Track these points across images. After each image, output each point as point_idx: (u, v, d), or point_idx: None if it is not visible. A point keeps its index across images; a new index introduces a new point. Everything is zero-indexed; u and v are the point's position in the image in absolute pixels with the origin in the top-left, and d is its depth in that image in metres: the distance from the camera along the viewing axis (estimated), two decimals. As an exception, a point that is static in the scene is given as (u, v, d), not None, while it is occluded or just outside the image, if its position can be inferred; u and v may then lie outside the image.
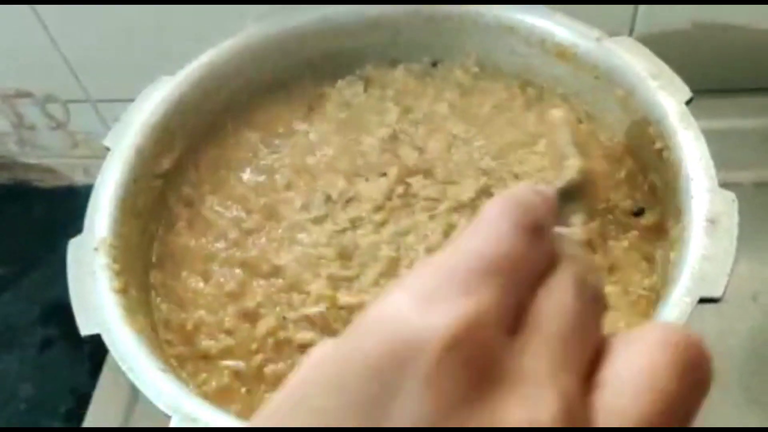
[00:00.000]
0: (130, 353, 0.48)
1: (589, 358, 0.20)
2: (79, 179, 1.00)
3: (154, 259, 0.60)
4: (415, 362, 0.18)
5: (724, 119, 0.77)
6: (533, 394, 0.18)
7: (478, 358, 0.18)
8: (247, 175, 0.65)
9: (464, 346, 0.18)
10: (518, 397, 0.18)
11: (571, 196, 0.35)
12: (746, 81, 0.80)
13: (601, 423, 0.19)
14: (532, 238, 0.21)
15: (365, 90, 0.70)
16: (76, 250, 0.54)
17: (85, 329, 0.49)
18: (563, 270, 0.21)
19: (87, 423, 0.71)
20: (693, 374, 0.21)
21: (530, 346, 0.19)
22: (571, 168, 0.40)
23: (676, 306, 0.46)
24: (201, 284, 0.58)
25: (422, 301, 0.19)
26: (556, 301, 0.21)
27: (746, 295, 0.66)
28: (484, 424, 0.18)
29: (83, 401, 0.73)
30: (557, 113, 0.49)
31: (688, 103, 0.56)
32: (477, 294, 0.19)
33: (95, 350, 0.49)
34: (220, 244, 0.60)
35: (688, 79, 0.58)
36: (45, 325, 0.85)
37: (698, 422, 0.62)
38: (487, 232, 0.21)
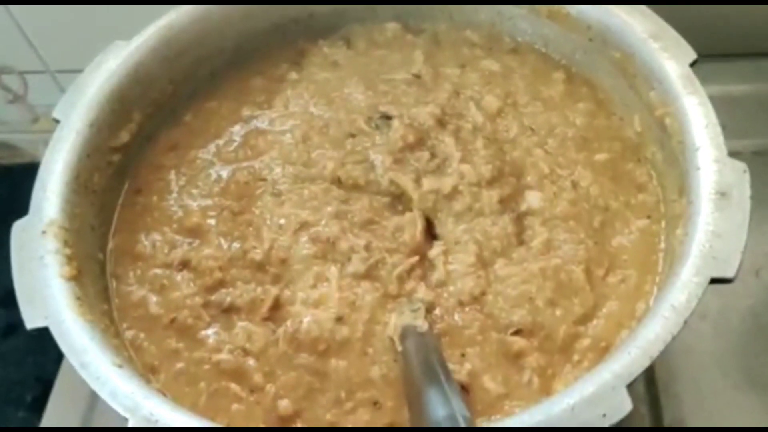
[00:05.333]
0: (82, 347, 0.44)
1: None
2: (41, 156, 0.94)
3: (111, 244, 0.56)
4: None
5: (722, 85, 0.73)
6: None
7: None
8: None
9: None
10: None
11: None
12: (745, 45, 0.76)
13: None
14: None
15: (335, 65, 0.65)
16: (22, 233, 0.49)
17: (31, 322, 0.45)
18: None
19: (49, 411, 0.68)
20: None
21: None
22: None
23: (685, 287, 0.42)
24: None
25: None
26: None
27: (748, 271, 0.63)
28: None
29: (50, 389, 0.69)
30: None
31: (692, 65, 0.51)
32: None
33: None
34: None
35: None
36: (8, 310, 0.81)
37: (698, 405, 0.59)
38: None
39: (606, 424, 0.38)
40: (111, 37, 0.60)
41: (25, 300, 0.46)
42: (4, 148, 0.97)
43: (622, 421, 0.40)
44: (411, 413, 0.42)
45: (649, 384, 0.59)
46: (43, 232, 0.49)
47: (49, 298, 0.46)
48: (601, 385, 0.39)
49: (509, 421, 0.39)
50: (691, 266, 0.43)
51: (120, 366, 0.43)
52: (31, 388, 0.75)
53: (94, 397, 0.66)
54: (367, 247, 0.52)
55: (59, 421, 0.66)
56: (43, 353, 0.76)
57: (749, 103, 0.74)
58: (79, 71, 0.59)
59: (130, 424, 0.40)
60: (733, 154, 0.48)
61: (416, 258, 0.52)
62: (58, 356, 0.71)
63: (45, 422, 0.66)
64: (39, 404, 0.71)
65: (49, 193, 0.51)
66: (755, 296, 0.63)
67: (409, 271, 0.51)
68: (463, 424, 0.35)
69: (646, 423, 0.58)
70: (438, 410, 0.37)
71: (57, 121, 0.56)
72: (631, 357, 0.40)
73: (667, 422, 0.58)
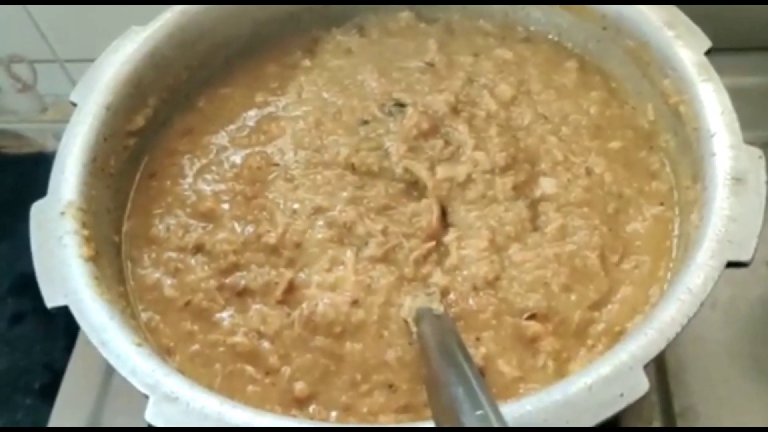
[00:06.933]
0: (101, 326, 0.44)
1: None
2: (49, 145, 0.95)
3: (125, 227, 0.56)
4: None
5: (733, 77, 0.73)
6: None
7: None
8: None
9: None
10: None
11: None
12: (757, 39, 0.76)
13: None
14: None
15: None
16: (40, 214, 0.49)
17: (51, 301, 0.45)
18: None
19: (60, 399, 0.68)
20: None
21: None
22: None
23: (701, 271, 0.42)
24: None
25: None
26: None
27: (759, 261, 0.63)
28: None
29: (58, 376, 0.69)
30: None
31: (707, 53, 0.52)
32: None
33: (69, 323, 0.45)
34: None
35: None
36: (16, 298, 0.81)
37: (708, 393, 0.59)
38: None
39: (623, 404, 0.38)
40: (121, 27, 0.60)
41: (44, 279, 0.46)
42: (12, 138, 0.97)
43: (635, 406, 0.40)
44: (429, 394, 0.42)
45: (659, 372, 0.59)
46: (62, 213, 0.49)
47: (69, 278, 0.46)
48: (618, 366, 0.39)
49: (527, 401, 0.39)
50: (707, 250, 0.43)
51: (139, 345, 0.43)
52: (39, 375, 0.75)
53: (105, 383, 0.67)
54: (384, 232, 0.53)
55: (70, 408, 0.66)
56: (51, 341, 0.76)
57: (760, 95, 0.74)
58: (89, 61, 0.59)
59: (151, 402, 0.40)
60: (744, 145, 0.49)
61: (433, 243, 0.52)
62: (65, 344, 0.72)
63: (56, 409, 0.66)
64: (47, 392, 0.71)
65: (68, 175, 0.51)
66: (766, 286, 0.63)
67: (426, 256, 0.52)
68: (485, 402, 0.35)
69: (657, 410, 0.58)
70: (458, 389, 0.37)
71: (74, 104, 0.56)
72: (647, 338, 0.40)
73: (677, 410, 0.58)
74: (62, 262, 0.47)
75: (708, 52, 0.52)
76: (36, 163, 0.92)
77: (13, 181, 0.91)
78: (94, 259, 0.49)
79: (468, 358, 0.41)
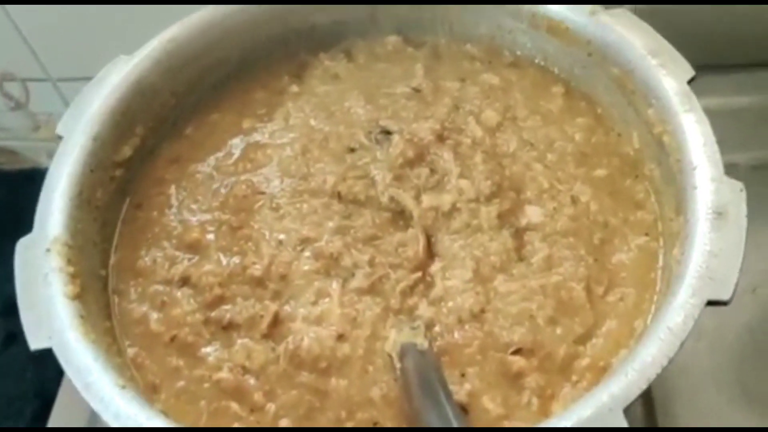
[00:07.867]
0: (86, 368, 0.44)
1: None
2: (43, 162, 0.95)
3: (113, 260, 0.56)
4: None
5: (720, 97, 0.73)
6: None
7: None
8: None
9: None
10: None
11: None
12: (743, 56, 0.76)
13: None
14: None
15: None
16: (26, 251, 0.49)
17: (35, 343, 0.45)
18: None
19: (51, 424, 0.67)
20: None
21: None
22: None
23: (681, 309, 0.42)
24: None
25: None
26: None
27: (745, 288, 0.63)
28: None
29: (50, 402, 0.69)
30: None
31: (690, 82, 0.51)
32: None
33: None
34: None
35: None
36: (8, 319, 0.81)
37: (695, 422, 0.58)
38: None
39: (603, 447, 0.39)
40: (113, 46, 0.60)
41: (28, 320, 0.46)
42: (5, 154, 0.97)
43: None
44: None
45: (646, 402, 0.59)
46: (48, 250, 0.49)
47: (53, 318, 0.46)
48: (600, 407, 0.39)
49: (508, 445, 0.39)
50: (688, 287, 0.43)
51: (123, 387, 0.43)
52: (30, 400, 0.75)
53: (95, 412, 0.67)
54: (371, 263, 0.53)
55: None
56: (43, 365, 0.76)
57: (748, 115, 0.73)
58: (81, 80, 0.59)
59: (133, 446, 0.40)
60: (731, 166, 0.48)
61: (419, 273, 0.52)
62: (59, 368, 0.72)
63: (47, 433, 0.67)
64: (39, 417, 0.71)
65: (54, 209, 0.51)
66: (751, 313, 0.63)
67: (412, 287, 0.52)
68: None
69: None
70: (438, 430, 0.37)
71: (60, 137, 0.56)
72: (628, 379, 0.40)
73: (665, 438, 0.58)
74: (47, 300, 0.47)
75: (691, 81, 0.52)
76: (29, 180, 0.92)
77: (6, 198, 0.90)
78: (79, 297, 0.48)
79: (449, 396, 0.41)
